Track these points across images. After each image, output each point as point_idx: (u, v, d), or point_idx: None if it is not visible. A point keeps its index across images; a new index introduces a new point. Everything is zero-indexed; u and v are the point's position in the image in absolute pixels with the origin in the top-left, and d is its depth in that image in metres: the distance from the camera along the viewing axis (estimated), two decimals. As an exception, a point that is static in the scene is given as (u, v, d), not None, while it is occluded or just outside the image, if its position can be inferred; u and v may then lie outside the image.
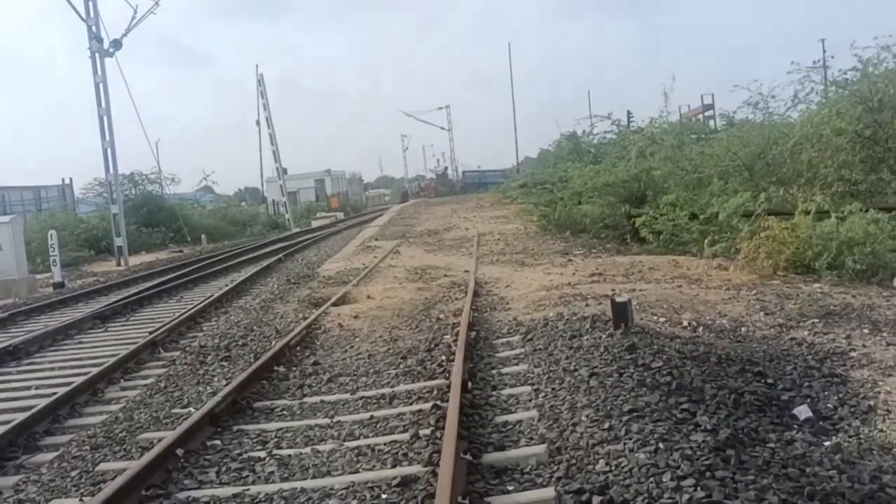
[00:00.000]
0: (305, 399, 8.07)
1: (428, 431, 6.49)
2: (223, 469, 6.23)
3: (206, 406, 7.43)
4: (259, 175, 69.31)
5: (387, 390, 8.06)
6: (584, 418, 6.27)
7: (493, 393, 7.41)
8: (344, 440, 6.68)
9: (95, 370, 9.71)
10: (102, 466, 6.57)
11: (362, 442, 6.58)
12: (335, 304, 13.55)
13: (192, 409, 7.90)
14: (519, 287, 13.87)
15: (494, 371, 8.22)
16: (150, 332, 12.11)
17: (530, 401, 7.05)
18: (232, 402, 7.76)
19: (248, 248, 33.07)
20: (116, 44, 29.91)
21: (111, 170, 30.37)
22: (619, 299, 9.44)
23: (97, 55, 29.55)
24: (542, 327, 9.99)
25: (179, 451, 6.46)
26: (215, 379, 9.17)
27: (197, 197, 66.58)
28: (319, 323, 11.88)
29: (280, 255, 25.39)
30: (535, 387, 7.40)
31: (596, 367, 7.67)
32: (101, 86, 29.56)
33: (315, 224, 54.57)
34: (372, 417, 7.19)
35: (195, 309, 14.38)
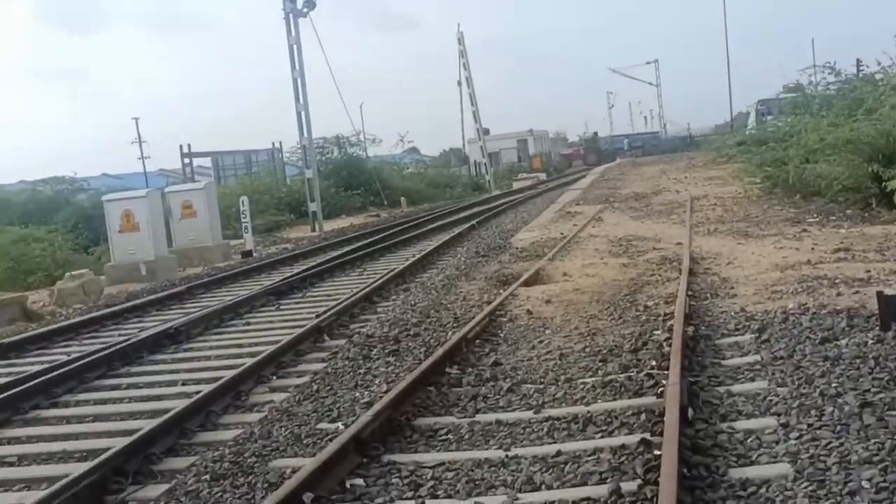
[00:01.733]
0: (478, 417, 6.39)
1: (633, 487, 4.69)
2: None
3: (355, 426, 5.91)
4: (461, 136, 68.59)
5: (580, 409, 6.26)
6: (864, 484, 4.31)
7: (724, 427, 5.46)
8: (519, 490, 4.98)
9: (249, 362, 8.48)
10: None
11: (543, 496, 4.86)
12: (526, 284, 11.82)
13: (340, 426, 6.42)
14: (744, 265, 11.66)
15: (722, 389, 6.25)
16: (318, 316, 10.84)
17: (777, 443, 5.07)
18: (387, 419, 6.21)
19: (444, 212, 31.94)
20: (310, 3, 29.21)
21: (305, 133, 29.85)
22: (888, 291, 7.23)
23: (291, 16, 28.98)
24: (780, 324, 7.90)
25: (307, 499, 4.96)
26: (376, 381, 7.67)
27: (397, 160, 66.30)
28: (505, 308, 10.20)
29: (473, 222, 23.90)
30: (783, 419, 5.41)
31: (868, 391, 5.60)
32: (294, 47, 29.03)
33: (516, 185, 53.08)
34: (559, 454, 5.43)
35: (374, 285, 13.07)
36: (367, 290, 12.69)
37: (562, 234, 17.48)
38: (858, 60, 33.42)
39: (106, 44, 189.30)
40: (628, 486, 4.72)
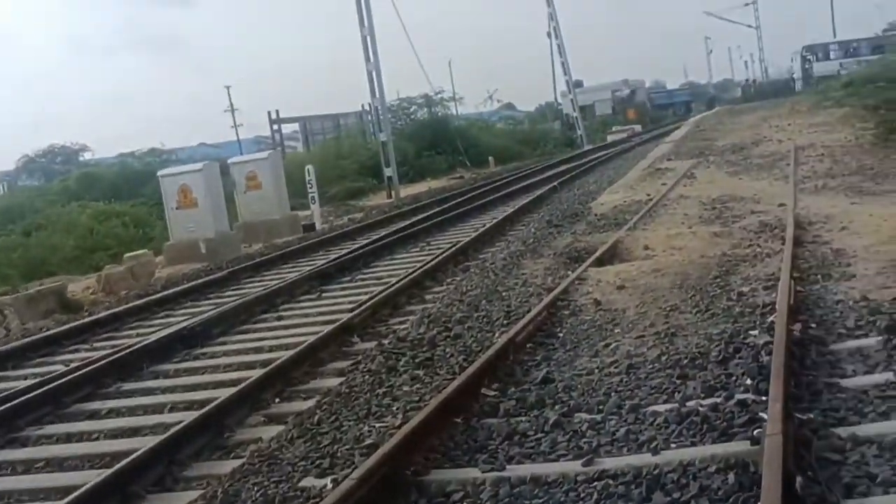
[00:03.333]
0: (508, 470, 4.78)
1: None
2: None
3: (339, 490, 4.40)
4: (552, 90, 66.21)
5: (646, 460, 4.59)
6: None
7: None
8: None
9: (254, 375, 7.07)
10: None
11: None
12: (599, 262, 10.10)
13: (329, 484, 4.90)
14: (861, 232, 9.72)
15: (844, 433, 4.49)
16: (353, 309, 9.35)
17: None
18: (385, 476, 4.66)
19: (528, 171, 30.24)
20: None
21: (377, 94, 28.31)
22: None
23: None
24: (918, 320, 6.06)
25: None
26: (394, 407, 6.11)
27: (486, 117, 64.17)
28: (569, 297, 8.52)
29: (555, 183, 22.09)
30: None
31: None
32: (362, 3, 27.41)
33: (610, 139, 50.70)
34: (609, 543, 3.81)
35: (429, 265, 11.56)
36: (420, 272, 11.18)
37: (648, 195, 15.60)
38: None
39: (198, 15, 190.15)
40: None
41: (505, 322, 7.96)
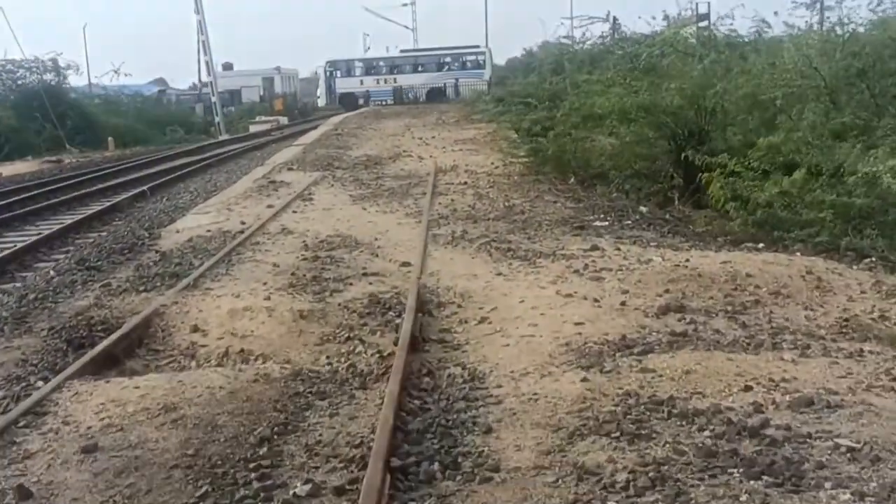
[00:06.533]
0: None
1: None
2: None
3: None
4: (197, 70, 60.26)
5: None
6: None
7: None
8: None
9: None
10: None
11: None
12: (94, 366, 5.97)
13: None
14: (510, 332, 6.50)
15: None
16: None
17: None
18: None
19: (139, 162, 25.30)
20: None
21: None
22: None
23: None
24: None
25: None
26: None
27: (133, 92, 56.69)
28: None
29: (146, 188, 17.47)
30: None
31: None
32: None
33: (253, 129, 46.22)
34: None
35: None
36: None
37: (242, 223, 11.61)
38: (614, 18, 29.68)
39: None
40: None
41: None
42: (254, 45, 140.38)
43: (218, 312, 7.23)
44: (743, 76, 12.87)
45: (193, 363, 6.33)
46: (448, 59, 60.57)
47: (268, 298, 7.51)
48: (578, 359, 5.74)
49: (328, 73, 62.29)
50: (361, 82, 60.08)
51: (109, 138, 37.52)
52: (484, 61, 59.13)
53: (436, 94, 55.63)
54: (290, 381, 5.60)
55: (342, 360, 6.14)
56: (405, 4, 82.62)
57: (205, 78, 55.60)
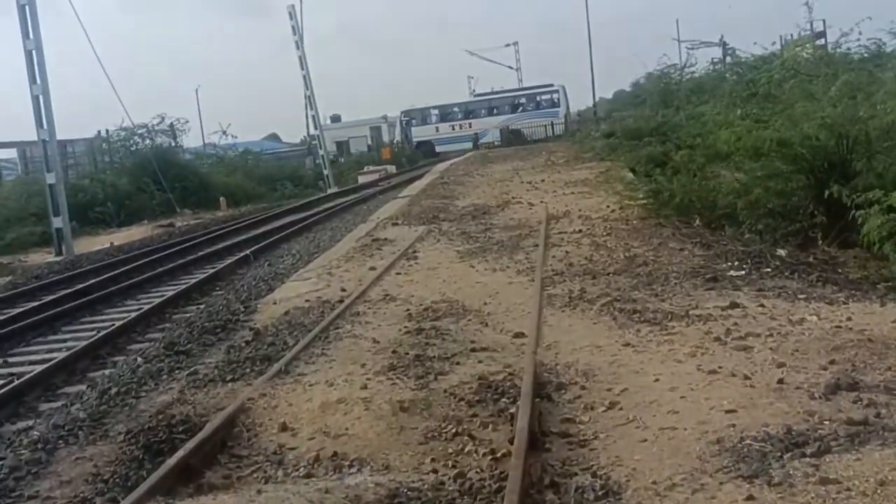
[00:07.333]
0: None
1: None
2: None
3: None
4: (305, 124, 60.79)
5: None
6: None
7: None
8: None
9: None
10: None
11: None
12: (178, 480, 5.19)
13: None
14: (645, 415, 5.49)
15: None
16: None
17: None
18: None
19: (249, 222, 25.11)
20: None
21: (45, 124, 22.07)
22: None
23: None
24: None
25: None
26: None
27: (251, 148, 57.58)
28: None
29: (249, 252, 16.98)
30: None
31: None
32: (26, 7, 21.37)
33: (362, 180, 45.99)
34: None
35: None
36: None
37: (343, 290, 10.84)
38: (725, 43, 28.28)
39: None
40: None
41: None
42: (360, 95, 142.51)
43: (309, 406, 6.40)
44: (892, 99, 11.44)
45: (280, 472, 5.49)
46: (522, 100, 59.86)
47: (364, 387, 6.63)
48: (736, 463, 4.66)
49: (403, 123, 62.39)
50: (437, 129, 60.63)
51: (221, 198, 37.81)
52: (558, 99, 58.12)
53: (512, 136, 54.84)
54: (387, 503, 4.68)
55: (448, 464, 5.21)
56: (507, 45, 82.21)
57: (312, 131, 56.04)
